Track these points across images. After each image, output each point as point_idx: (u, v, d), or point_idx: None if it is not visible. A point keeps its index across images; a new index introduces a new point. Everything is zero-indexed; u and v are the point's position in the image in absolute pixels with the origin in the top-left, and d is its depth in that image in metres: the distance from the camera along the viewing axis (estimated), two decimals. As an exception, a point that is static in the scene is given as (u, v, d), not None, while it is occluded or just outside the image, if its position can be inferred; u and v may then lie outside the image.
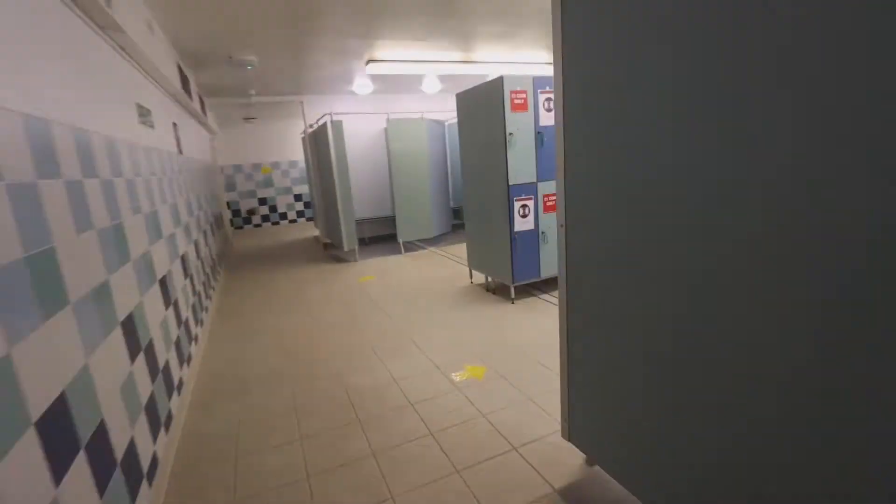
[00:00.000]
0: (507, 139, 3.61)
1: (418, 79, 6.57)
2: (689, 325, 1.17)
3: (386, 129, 6.17)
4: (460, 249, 6.35)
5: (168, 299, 2.63)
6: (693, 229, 1.12)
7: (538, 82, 3.68)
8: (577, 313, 1.62)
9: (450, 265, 5.51)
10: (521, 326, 3.40)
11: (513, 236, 3.77)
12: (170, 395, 2.30)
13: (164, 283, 2.59)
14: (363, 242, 7.29)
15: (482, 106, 3.83)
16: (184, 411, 2.53)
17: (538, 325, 3.40)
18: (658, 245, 1.22)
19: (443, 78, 6.63)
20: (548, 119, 3.78)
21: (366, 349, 3.23)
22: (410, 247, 6.81)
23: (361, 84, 6.55)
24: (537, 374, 2.65)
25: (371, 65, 5.07)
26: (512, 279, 3.85)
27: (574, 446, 1.81)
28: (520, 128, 3.66)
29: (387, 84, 6.81)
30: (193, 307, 3.40)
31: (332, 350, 3.26)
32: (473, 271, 4.68)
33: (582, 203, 1.49)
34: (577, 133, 1.43)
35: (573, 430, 1.77)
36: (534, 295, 4.12)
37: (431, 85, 7.00)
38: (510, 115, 3.59)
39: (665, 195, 1.18)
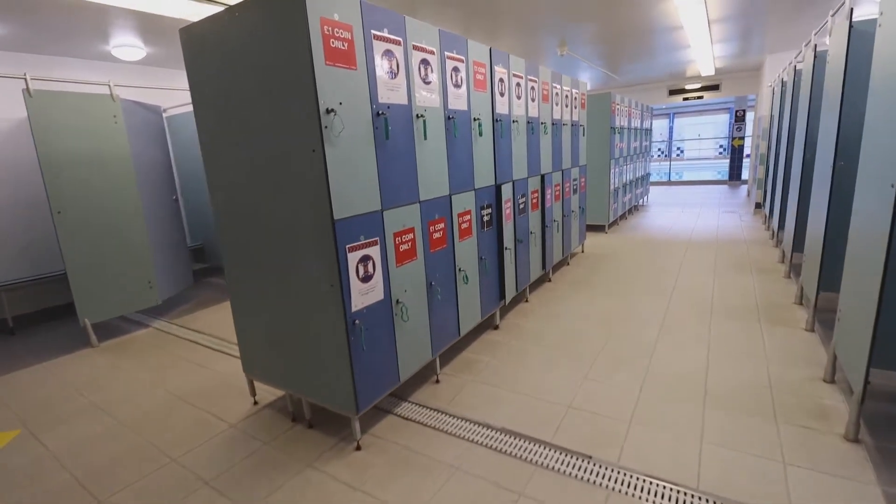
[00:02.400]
0: (324, 123, 1.67)
1: (101, 31, 3.68)
2: None
3: (27, 116, 3.12)
4: (215, 317, 3.83)
5: None
6: None
7: (369, 15, 1.88)
8: None
9: (202, 358, 3.04)
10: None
11: (350, 321, 1.84)
12: None
13: None
14: (1, 330, 3.81)
15: (253, 50, 1.77)
16: None
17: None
18: None
19: (149, 33, 3.94)
20: (390, 92, 2.01)
21: None
22: (112, 328, 3.83)
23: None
24: None
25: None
26: (356, 405, 1.91)
27: None
28: (346, 101, 1.77)
29: (29, 30, 3.62)
30: None
31: None
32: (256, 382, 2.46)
33: None
34: None
35: None
36: (387, 411, 2.27)
37: (127, 43, 4.16)
38: (325, 73, 1.67)
39: None
